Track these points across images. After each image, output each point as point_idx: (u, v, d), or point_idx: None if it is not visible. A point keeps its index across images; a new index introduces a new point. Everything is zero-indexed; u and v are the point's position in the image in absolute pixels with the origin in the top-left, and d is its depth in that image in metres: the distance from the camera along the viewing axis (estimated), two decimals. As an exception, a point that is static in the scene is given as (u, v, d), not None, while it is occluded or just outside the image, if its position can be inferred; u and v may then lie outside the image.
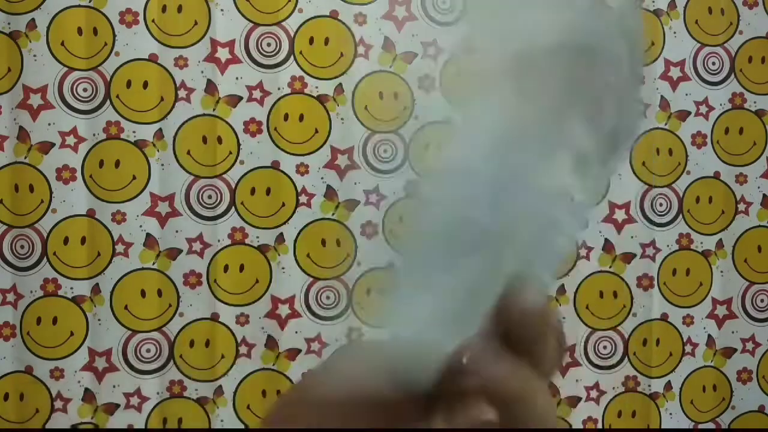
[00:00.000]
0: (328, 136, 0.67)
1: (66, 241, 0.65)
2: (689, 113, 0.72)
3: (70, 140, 0.65)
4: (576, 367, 0.71)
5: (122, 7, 0.65)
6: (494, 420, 0.23)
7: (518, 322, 0.23)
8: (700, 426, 0.73)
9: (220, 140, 0.65)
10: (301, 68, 0.67)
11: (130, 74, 0.65)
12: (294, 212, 0.66)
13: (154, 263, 0.66)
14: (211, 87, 0.66)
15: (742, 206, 0.73)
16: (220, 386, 0.66)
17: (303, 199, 0.66)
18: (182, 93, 0.65)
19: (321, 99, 0.67)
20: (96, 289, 0.65)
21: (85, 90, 0.65)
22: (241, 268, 0.66)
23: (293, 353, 0.67)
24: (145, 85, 0.65)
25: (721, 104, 0.72)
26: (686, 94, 0.72)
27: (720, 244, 0.72)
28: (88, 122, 0.65)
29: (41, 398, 0.65)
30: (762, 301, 0.73)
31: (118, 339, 0.65)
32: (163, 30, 0.65)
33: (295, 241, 0.66)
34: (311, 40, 0.67)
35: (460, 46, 0.66)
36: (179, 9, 0.65)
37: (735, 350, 0.73)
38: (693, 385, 0.72)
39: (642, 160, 0.71)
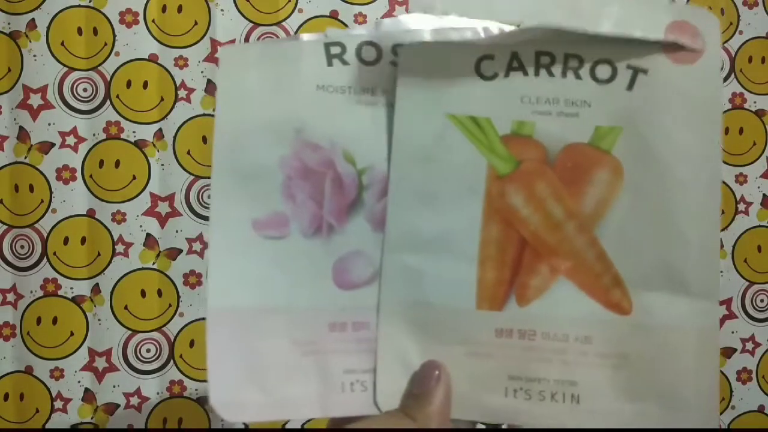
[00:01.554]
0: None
1: (66, 241, 0.65)
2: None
3: (70, 140, 0.65)
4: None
5: (122, 7, 0.65)
6: None
7: None
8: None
9: (220, 140, 0.65)
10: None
11: (130, 74, 0.65)
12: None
13: (154, 263, 0.66)
14: (211, 87, 0.66)
15: (742, 206, 0.73)
16: (220, 386, 0.66)
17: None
18: (182, 93, 0.65)
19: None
20: (96, 289, 0.65)
21: (85, 90, 0.65)
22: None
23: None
24: (145, 85, 0.65)
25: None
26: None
27: (720, 244, 0.72)
28: (88, 122, 0.65)
29: (41, 398, 0.65)
30: (762, 301, 0.73)
31: (118, 339, 0.65)
32: (163, 30, 0.65)
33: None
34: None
35: None
36: (179, 9, 0.65)
37: (735, 350, 0.73)
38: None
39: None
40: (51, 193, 0.64)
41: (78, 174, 0.65)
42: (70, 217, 0.65)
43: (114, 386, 0.65)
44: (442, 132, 0.33)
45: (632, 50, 0.32)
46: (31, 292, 0.64)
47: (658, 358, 0.31)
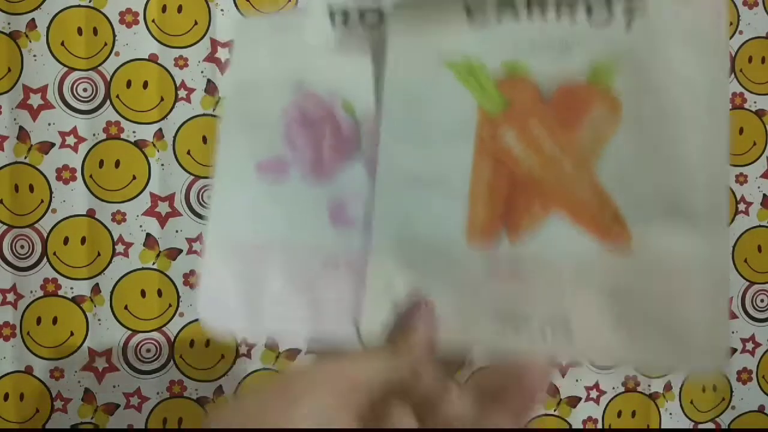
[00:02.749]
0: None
1: (66, 241, 0.65)
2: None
3: (70, 140, 0.65)
4: (576, 366, 0.71)
5: (122, 7, 0.65)
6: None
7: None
8: (700, 426, 0.73)
9: (220, 140, 0.65)
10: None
11: (130, 74, 0.65)
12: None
13: (154, 263, 0.66)
14: (211, 87, 0.66)
15: (742, 206, 0.73)
16: (220, 386, 0.66)
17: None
18: (182, 93, 0.65)
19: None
20: (96, 289, 0.65)
21: (85, 90, 0.65)
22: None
23: (293, 353, 0.67)
24: (145, 85, 0.65)
25: (721, 104, 0.72)
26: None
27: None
28: (88, 122, 0.65)
29: (41, 398, 0.65)
30: (762, 301, 0.73)
31: (118, 339, 0.65)
32: (163, 30, 0.65)
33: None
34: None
35: None
36: (179, 9, 0.66)
37: (735, 350, 0.73)
38: (693, 385, 0.72)
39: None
40: (51, 193, 0.64)
41: (78, 174, 0.65)
42: (70, 217, 0.65)
43: (114, 386, 0.65)
44: (433, 76, 0.33)
45: None
46: (31, 292, 0.64)
47: (660, 292, 0.29)
